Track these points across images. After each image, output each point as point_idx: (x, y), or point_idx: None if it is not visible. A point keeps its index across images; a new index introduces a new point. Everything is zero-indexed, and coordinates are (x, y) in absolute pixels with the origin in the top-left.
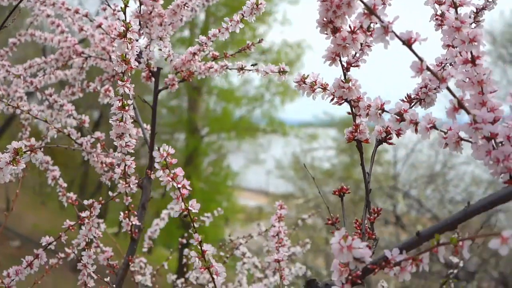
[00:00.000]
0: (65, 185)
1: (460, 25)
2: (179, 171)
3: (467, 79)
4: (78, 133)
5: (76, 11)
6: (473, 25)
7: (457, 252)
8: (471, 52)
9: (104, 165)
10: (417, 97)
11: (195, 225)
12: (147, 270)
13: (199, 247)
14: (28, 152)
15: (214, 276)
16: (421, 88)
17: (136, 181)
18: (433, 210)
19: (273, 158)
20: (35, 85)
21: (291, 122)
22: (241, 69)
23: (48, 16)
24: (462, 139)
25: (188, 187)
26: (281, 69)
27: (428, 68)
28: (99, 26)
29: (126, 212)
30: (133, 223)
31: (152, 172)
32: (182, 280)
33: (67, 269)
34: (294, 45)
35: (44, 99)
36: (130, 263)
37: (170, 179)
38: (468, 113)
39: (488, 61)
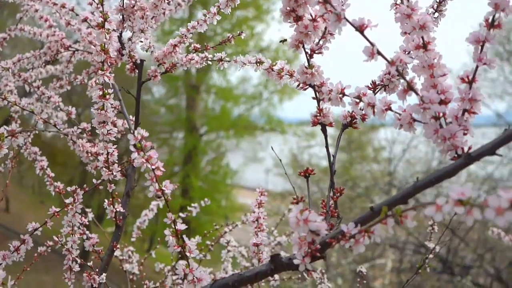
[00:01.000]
0: (52, 174)
1: (411, 12)
2: (153, 154)
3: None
4: (65, 124)
5: (63, 6)
6: (436, 14)
7: (402, 222)
8: (422, 38)
9: (89, 155)
10: (381, 83)
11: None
12: (134, 258)
13: (173, 226)
14: (9, 137)
15: (187, 254)
16: (385, 74)
17: (119, 169)
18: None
19: (271, 156)
20: (23, 77)
21: (290, 120)
22: (220, 60)
23: (36, 10)
24: (414, 119)
25: (162, 169)
26: (258, 60)
27: (378, 53)
28: (85, 20)
29: (110, 199)
30: (117, 210)
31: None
32: (169, 267)
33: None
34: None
35: (33, 92)
36: (114, 249)
37: (145, 161)
38: (417, 94)
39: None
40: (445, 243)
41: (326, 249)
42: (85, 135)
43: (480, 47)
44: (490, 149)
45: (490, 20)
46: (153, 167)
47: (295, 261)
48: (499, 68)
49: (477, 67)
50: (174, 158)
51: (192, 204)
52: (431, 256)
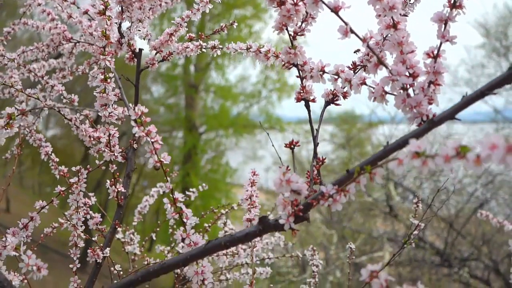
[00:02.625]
0: (57, 159)
1: None
2: (152, 128)
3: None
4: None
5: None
6: (412, 0)
7: (372, 179)
8: (392, 18)
9: (92, 139)
10: (361, 63)
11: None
12: (135, 238)
13: (171, 195)
14: (20, 116)
15: (184, 220)
16: (364, 55)
17: (120, 150)
18: (426, 199)
19: (271, 154)
20: (28, 68)
21: (289, 118)
22: (213, 47)
23: (39, 4)
24: (386, 92)
25: (160, 142)
26: (248, 46)
27: (351, 31)
28: (86, 12)
29: (112, 180)
30: (119, 190)
31: (135, 142)
32: (169, 248)
33: (70, 269)
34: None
35: (37, 81)
36: (116, 227)
37: (145, 135)
38: (387, 67)
39: (482, 55)
40: (429, 219)
41: (309, 210)
42: (87, 120)
43: (443, 25)
44: (450, 114)
45: (452, 1)
46: (152, 140)
47: (281, 221)
48: (496, 64)
49: (440, 43)
50: (173, 157)
51: (191, 189)
52: (415, 232)
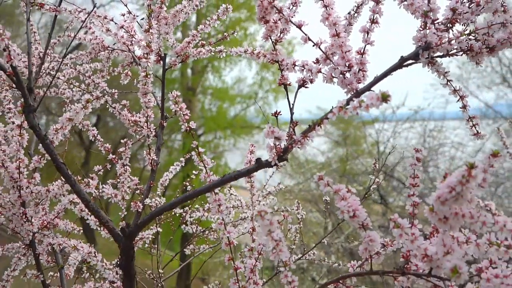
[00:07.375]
0: (102, 140)
1: (328, 16)
2: (183, 105)
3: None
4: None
5: (105, 17)
6: (355, 14)
7: (321, 126)
8: (335, 29)
9: (130, 121)
10: (321, 60)
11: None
12: (161, 200)
13: (197, 150)
14: (95, 100)
15: (206, 165)
16: (321, 54)
17: (155, 127)
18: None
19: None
20: (78, 70)
21: (285, 119)
22: (221, 51)
23: (83, 21)
24: (333, 76)
25: (188, 114)
26: (246, 50)
27: (309, 39)
28: (122, 27)
29: (148, 150)
30: (153, 158)
31: (165, 121)
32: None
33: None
34: (285, 42)
35: (83, 80)
36: (151, 185)
37: (179, 110)
38: (331, 61)
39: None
40: (385, 178)
41: (288, 153)
42: (125, 109)
43: (366, 34)
44: (367, 88)
45: (372, 19)
46: (184, 113)
47: (269, 159)
48: (486, 59)
49: (365, 45)
50: (173, 159)
51: (194, 172)
52: (375, 186)
